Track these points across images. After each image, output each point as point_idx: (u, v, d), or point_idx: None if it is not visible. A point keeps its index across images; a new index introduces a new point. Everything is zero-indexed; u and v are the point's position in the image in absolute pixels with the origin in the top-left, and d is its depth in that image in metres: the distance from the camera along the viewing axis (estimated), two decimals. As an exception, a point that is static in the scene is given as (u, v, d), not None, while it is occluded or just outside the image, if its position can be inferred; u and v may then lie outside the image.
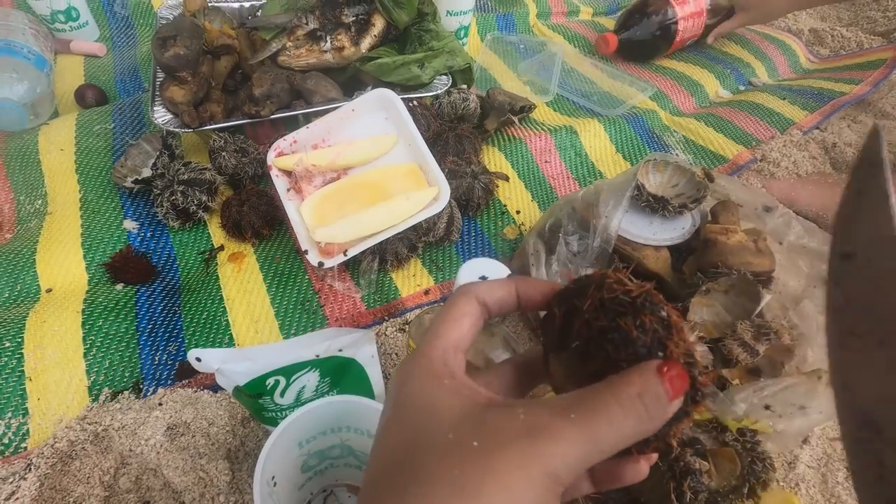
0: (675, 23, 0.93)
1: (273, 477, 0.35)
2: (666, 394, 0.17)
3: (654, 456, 0.22)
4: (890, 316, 0.15)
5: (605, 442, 0.17)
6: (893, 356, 0.15)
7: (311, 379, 0.39)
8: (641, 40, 0.96)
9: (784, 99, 0.89)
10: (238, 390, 0.37)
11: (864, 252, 0.15)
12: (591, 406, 0.17)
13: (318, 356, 0.38)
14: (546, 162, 0.75)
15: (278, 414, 0.40)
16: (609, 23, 1.11)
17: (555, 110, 0.87)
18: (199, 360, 0.35)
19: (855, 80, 0.93)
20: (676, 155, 0.80)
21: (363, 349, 0.41)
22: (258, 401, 0.39)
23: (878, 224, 0.15)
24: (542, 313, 0.23)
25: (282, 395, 0.39)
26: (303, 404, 0.36)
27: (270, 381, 0.38)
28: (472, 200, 0.64)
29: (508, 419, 0.17)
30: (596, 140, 0.80)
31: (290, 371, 0.38)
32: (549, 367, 0.22)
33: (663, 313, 0.19)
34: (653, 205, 0.54)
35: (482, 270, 0.33)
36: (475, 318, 0.22)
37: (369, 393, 0.44)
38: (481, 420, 0.18)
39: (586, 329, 0.19)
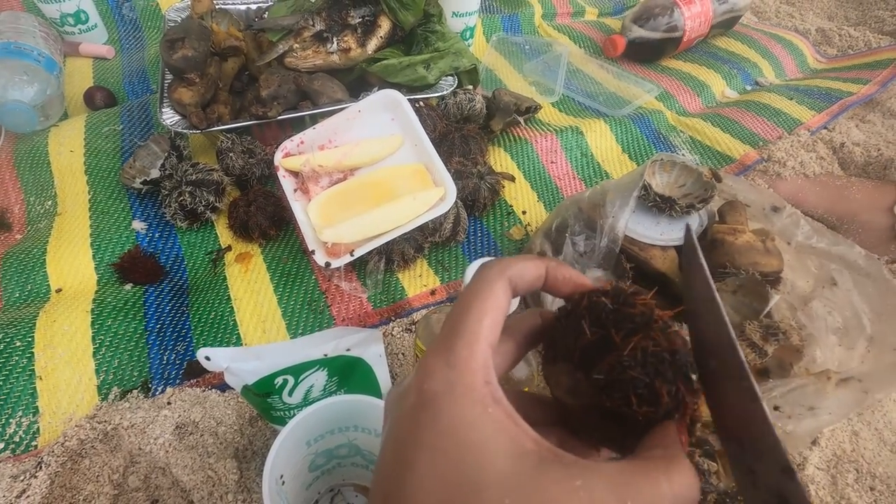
0: (682, 23, 0.93)
1: (281, 476, 0.35)
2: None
3: None
4: (724, 347, 0.19)
5: None
6: (734, 374, 0.19)
7: (319, 378, 0.40)
8: (649, 42, 0.95)
9: (791, 99, 0.88)
10: (247, 389, 0.38)
11: (702, 308, 0.21)
12: (647, 494, 0.16)
13: (326, 355, 0.39)
14: (552, 162, 0.75)
15: (286, 413, 0.41)
16: (614, 23, 1.11)
17: (560, 111, 0.87)
18: (208, 358, 0.35)
19: (863, 79, 0.92)
20: (683, 155, 0.80)
21: (371, 348, 0.41)
22: (266, 400, 0.39)
23: (702, 287, 0.21)
24: (561, 307, 0.22)
25: (290, 394, 0.39)
26: (311, 403, 0.36)
27: (279, 381, 0.38)
28: (479, 201, 0.65)
29: (569, 495, 0.16)
30: (602, 140, 0.79)
31: (298, 370, 0.38)
32: (550, 367, 0.22)
33: (694, 383, 0.19)
34: (660, 205, 0.54)
35: (490, 270, 0.33)
36: (507, 307, 0.20)
37: (377, 392, 0.44)
38: (538, 486, 0.16)
39: (618, 370, 0.19)
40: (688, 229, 0.24)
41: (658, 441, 0.18)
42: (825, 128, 0.84)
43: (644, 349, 0.19)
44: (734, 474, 0.20)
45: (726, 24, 1.04)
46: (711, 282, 0.21)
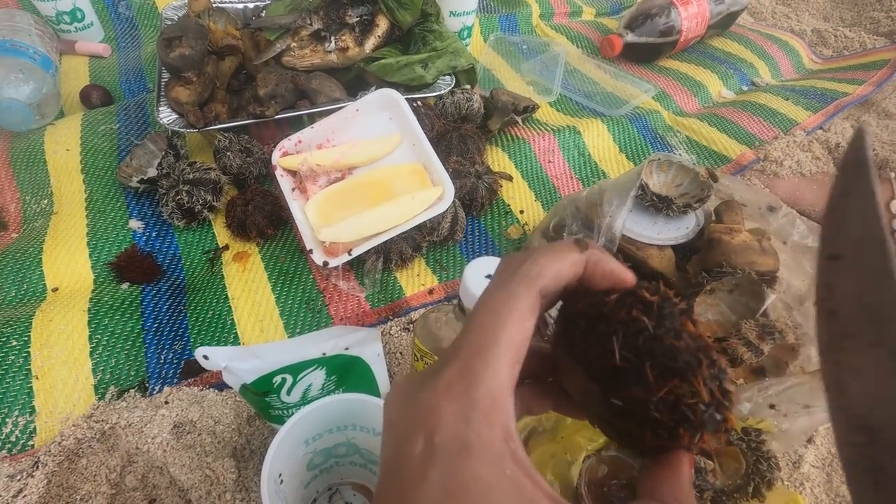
0: (679, 24, 0.93)
1: (280, 474, 0.35)
2: None
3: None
4: (881, 316, 0.14)
5: None
6: (887, 358, 0.14)
7: (317, 377, 0.40)
8: (646, 43, 0.96)
9: (787, 99, 0.89)
10: (245, 388, 0.38)
11: (852, 253, 0.15)
12: None
13: (324, 354, 0.39)
14: (549, 162, 0.76)
15: (285, 412, 0.41)
16: (611, 23, 1.11)
17: (558, 110, 0.87)
18: (206, 357, 0.35)
19: (858, 80, 0.93)
20: (680, 155, 0.80)
21: (369, 347, 0.41)
22: (265, 399, 0.39)
23: (865, 224, 0.15)
24: (590, 299, 0.18)
25: (288, 393, 0.39)
26: (309, 402, 0.36)
27: (277, 379, 0.38)
28: (476, 200, 0.65)
29: None
30: (599, 140, 0.80)
31: (296, 369, 0.38)
32: (563, 355, 0.19)
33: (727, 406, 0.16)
34: (657, 204, 0.54)
35: (488, 269, 0.33)
36: (532, 329, 0.17)
37: (375, 391, 0.44)
38: None
39: (640, 407, 0.16)
40: (860, 132, 0.15)
41: (668, 489, 0.16)
42: (821, 128, 0.84)
43: (679, 398, 0.16)
44: (848, 471, 0.16)
45: (723, 25, 1.05)
46: (882, 218, 0.14)
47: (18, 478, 0.42)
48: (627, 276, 0.18)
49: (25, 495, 0.41)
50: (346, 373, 0.41)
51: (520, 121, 0.79)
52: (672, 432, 0.16)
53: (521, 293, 0.17)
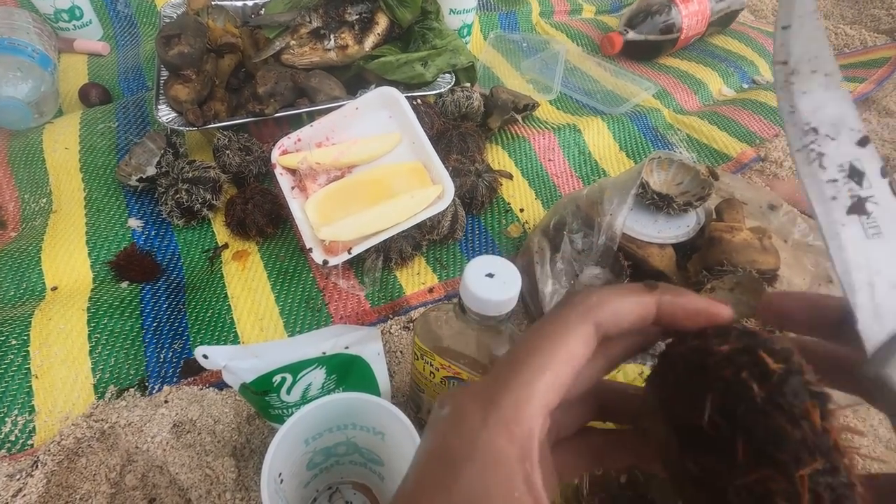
0: (680, 21, 0.93)
1: (280, 474, 0.35)
2: None
3: None
4: (816, 55, 0.18)
5: None
6: (824, 81, 0.18)
7: (317, 376, 0.40)
8: (646, 40, 0.95)
9: (788, 97, 0.89)
10: (245, 387, 0.38)
11: (797, 23, 0.19)
12: None
13: (324, 353, 0.38)
14: (550, 160, 0.75)
15: (284, 411, 0.40)
16: (612, 21, 1.11)
17: (558, 109, 0.87)
18: (206, 357, 0.35)
19: (859, 78, 0.92)
20: (680, 153, 0.80)
21: (369, 346, 0.41)
22: (265, 398, 0.39)
23: (803, 4, 0.19)
24: (692, 343, 0.17)
25: (288, 392, 0.39)
26: (309, 401, 0.36)
27: (277, 379, 0.38)
28: (476, 198, 0.64)
29: None
30: (599, 138, 0.79)
31: (296, 368, 0.38)
32: (651, 404, 0.18)
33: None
34: (657, 203, 0.54)
35: (489, 268, 0.33)
36: (582, 359, 0.16)
37: (375, 390, 0.44)
38: None
39: (718, 483, 0.14)
40: None
41: None
42: (821, 126, 0.84)
43: (771, 493, 0.13)
44: (801, 172, 0.19)
45: (723, 23, 1.04)
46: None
47: (18, 477, 0.42)
48: (720, 311, 0.17)
49: (25, 495, 0.41)
50: (346, 372, 0.41)
51: (520, 119, 0.79)
52: None
53: (573, 319, 0.16)
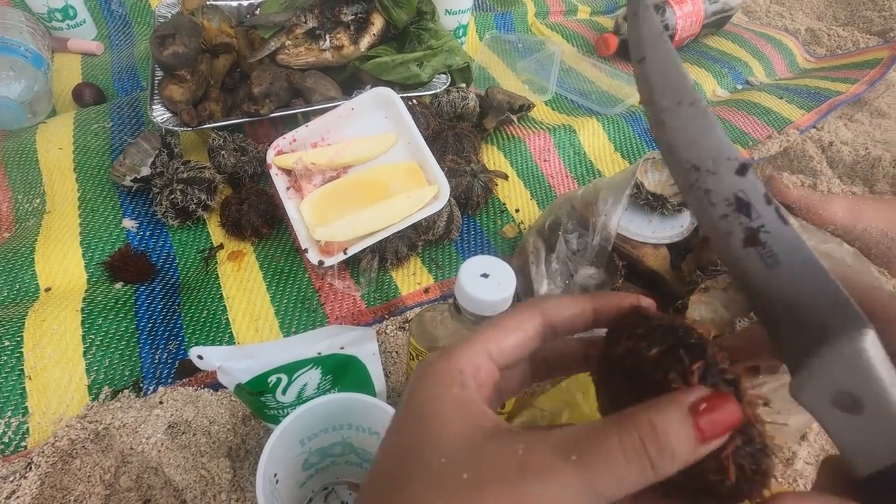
0: (674, 22, 0.94)
1: (275, 474, 0.35)
2: (678, 438, 0.15)
3: None
4: (676, 84, 0.19)
5: (605, 488, 0.15)
6: (691, 111, 0.19)
7: (312, 376, 0.40)
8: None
9: (781, 98, 0.89)
10: (240, 388, 0.38)
11: (650, 52, 0.20)
12: (594, 448, 0.15)
13: (319, 354, 0.39)
14: (545, 161, 0.76)
15: (280, 412, 0.40)
16: (607, 22, 1.11)
17: (553, 109, 0.87)
18: (201, 357, 0.35)
19: (851, 79, 0.93)
20: (674, 154, 0.80)
21: (365, 346, 0.41)
22: (260, 398, 0.39)
23: (651, 29, 0.20)
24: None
25: (283, 392, 0.39)
26: (304, 402, 0.36)
27: (272, 379, 0.38)
28: (472, 199, 0.65)
29: (506, 454, 0.16)
30: (594, 139, 0.80)
31: (291, 369, 0.38)
32: (602, 385, 0.21)
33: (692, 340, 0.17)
34: (652, 203, 0.55)
35: (484, 268, 0.33)
36: (530, 335, 0.20)
37: (370, 391, 0.44)
38: (478, 451, 0.17)
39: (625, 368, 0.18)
40: None
41: (638, 418, 0.17)
42: (814, 127, 0.84)
43: (704, 471, 0.16)
44: (691, 206, 0.20)
45: (717, 24, 1.05)
46: (657, 21, 0.20)
47: (11, 479, 0.42)
48: (628, 300, 0.21)
49: (18, 496, 0.41)
50: (342, 372, 0.41)
51: (515, 119, 0.79)
52: (692, 501, 0.16)
53: (523, 306, 0.21)
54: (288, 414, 0.35)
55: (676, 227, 0.55)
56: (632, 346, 0.18)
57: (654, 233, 0.54)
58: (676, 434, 0.15)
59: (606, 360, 0.20)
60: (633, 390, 0.18)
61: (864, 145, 0.79)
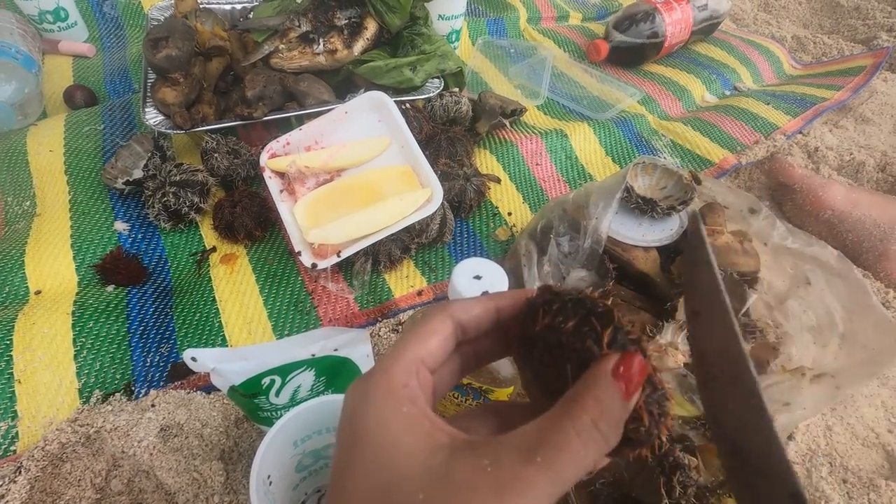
0: (664, 29, 0.95)
1: (269, 476, 0.35)
2: (618, 403, 0.17)
3: None
4: (733, 358, 0.18)
5: (571, 478, 0.16)
6: (743, 391, 0.18)
7: (306, 378, 0.40)
8: (631, 47, 0.97)
9: (768, 104, 0.91)
10: (233, 390, 0.38)
11: (706, 309, 0.19)
12: (554, 443, 0.16)
13: (313, 355, 0.39)
14: (537, 164, 0.76)
15: (273, 414, 0.40)
16: (598, 28, 1.13)
17: (545, 114, 0.88)
18: (194, 359, 0.35)
19: (836, 86, 0.95)
20: (664, 158, 0.81)
21: (358, 348, 0.41)
22: (253, 400, 0.39)
23: (710, 287, 0.20)
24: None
25: (277, 394, 0.39)
26: (298, 404, 0.36)
27: (266, 381, 0.38)
28: (465, 202, 0.65)
29: (476, 475, 0.16)
30: (586, 143, 0.81)
31: (285, 370, 0.38)
32: (522, 378, 0.23)
33: (599, 308, 0.18)
34: (642, 206, 0.55)
35: (477, 270, 0.33)
36: (445, 337, 0.21)
37: (364, 393, 0.44)
38: (447, 475, 0.17)
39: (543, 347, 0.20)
40: (695, 217, 0.21)
41: (585, 402, 0.18)
42: (800, 132, 0.86)
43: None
44: (732, 486, 0.19)
45: (706, 31, 1.07)
46: (721, 282, 0.19)
47: (0, 484, 0.41)
48: (529, 291, 0.21)
49: (8, 501, 0.40)
50: (336, 374, 0.41)
51: (507, 124, 0.80)
52: (615, 454, 0.18)
53: (432, 311, 0.21)
54: (281, 416, 0.35)
55: (666, 231, 0.56)
56: (549, 322, 0.19)
57: (645, 236, 0.55)
58: (611, 401, 0.17)
59: (526, 338, 0.21)
60: (554, 361, 0.19)
61: (848, 150, 0.81)
